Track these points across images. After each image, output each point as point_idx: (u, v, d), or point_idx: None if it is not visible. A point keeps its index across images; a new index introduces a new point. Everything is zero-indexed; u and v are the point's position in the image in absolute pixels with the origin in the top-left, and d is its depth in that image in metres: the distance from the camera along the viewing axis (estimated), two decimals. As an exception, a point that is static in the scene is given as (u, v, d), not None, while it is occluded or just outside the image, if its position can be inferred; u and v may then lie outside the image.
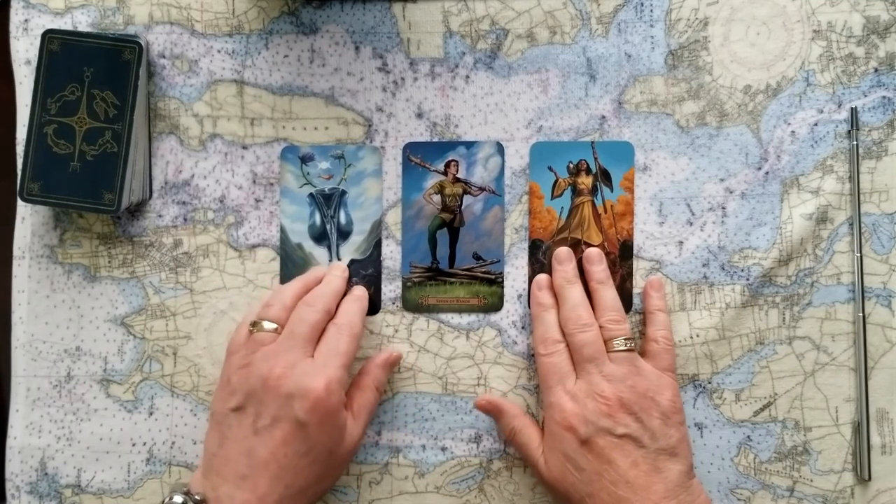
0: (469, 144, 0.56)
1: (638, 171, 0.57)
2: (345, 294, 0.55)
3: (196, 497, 0.47)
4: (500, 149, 0.56)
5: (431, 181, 0.56)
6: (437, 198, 0.56)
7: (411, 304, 0.57)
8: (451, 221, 0.56)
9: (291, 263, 0.57)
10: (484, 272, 0.56)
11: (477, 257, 0.56)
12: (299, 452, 0.47)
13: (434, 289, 0.56)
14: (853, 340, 0.57)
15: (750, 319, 0.57)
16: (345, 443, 0.50)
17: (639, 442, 0.50)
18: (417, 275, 0.56)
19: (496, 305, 0.56)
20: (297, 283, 0.54)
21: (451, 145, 0.56)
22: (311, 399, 0.47)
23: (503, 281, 0.57)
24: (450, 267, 0.56)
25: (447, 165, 0.56)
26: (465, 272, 0.56)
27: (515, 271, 0.57)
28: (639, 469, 0.49)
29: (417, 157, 0.56)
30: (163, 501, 0.48)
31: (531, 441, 0.53)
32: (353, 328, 0.52)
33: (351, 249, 0.57)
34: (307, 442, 0.48)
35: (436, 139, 0.57)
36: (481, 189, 0.56)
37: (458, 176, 0.56)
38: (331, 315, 0.53)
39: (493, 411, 0.56)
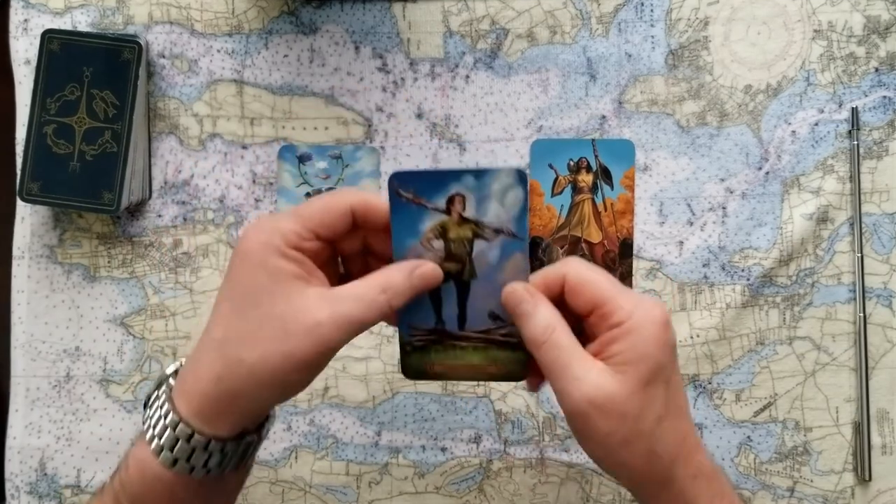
0: (479, 174, 0.41)
1: (638, 170, 0.57)
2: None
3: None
4: (522, 177, 0.41)
5: (430, 222, 0.42)
6: (438, 244, 0.43)
7: (415, 372, 0.45)
8: (458, 273, 0.43)
9: None
10: (504, 335, 0.44)
11: (494, 317, 0.43)
12: (223, 295, 0.41)
13: (441, 355, 0.44)
14: (854, 340, 0.57)
15: (750, 319, 0.57)
16: (285, 302, 0.39)
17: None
18: (419, 338, 0.44)
19: (518, 374, 0.45)
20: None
21: (455, 175, 0.42)
22: (240, 241, 0.41)
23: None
24: (459, 329, 0.44)
25: (450, 201, 0.42)
26: (478, 335, 0.44)
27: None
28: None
29: (409, 191, 0.42)
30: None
31: (574, 348, 0.40)
32: (334, 196, 0.42)
33: None
34: (229, 284, 0.41)
35: (435, 140, 0.57)
36: (497, 231, 0.43)
37: (466, 215, 0.42)
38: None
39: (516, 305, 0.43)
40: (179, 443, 0.39)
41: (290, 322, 0.39)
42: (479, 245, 0.43)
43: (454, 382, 0.57)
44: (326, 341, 0.39)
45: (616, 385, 0.39)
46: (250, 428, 0.42)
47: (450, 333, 0.44)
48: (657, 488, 0.40)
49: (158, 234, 0.58)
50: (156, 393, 0.41)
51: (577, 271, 0.41)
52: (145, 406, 0.42)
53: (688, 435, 0.40)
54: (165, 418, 0.40)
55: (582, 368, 0.39)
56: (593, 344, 0.41)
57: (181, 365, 0.42)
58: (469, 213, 0.42)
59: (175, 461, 0.40)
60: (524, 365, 0.44)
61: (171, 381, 0.41)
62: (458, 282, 0.43)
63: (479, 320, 0.44)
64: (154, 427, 0.40)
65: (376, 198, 0.42)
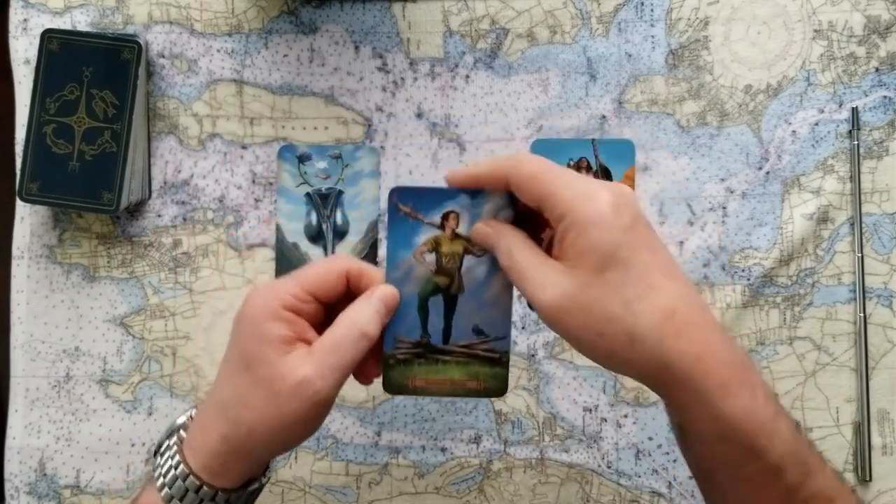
0: (473, 193, 0.45)
1: (638, 170, 0.57)
2: None
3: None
4: (512, 200, 0.44)
5: (425, 236, 0.46)
6: (430, 257, 0.46)
7: (394, 387, 0.47)
8: (447, 287, 0.46)
9: (287, 263, 0.57)
10: (486, 350, 0.47)
11: (478, 332, 0.47)
12: (225, 357, 0.43)
13: (423, 368, 0.47)
14: (854, 341, 0.57)
15: (751, 320, 0.57)
16: (271, 366, 0.41)
17: None
18: (403, 351, 0.46)
19: (498, 390, 0.47)
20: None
21: (451, 193, 0.45)
22: (242, 305, 0.43)
23: (508, 360, 0.47)
24: (444, 343, 0.46)
25: (445, 218, 0.46)
26: (461, 350, 0.47)
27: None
28: None
29: (408, 205, 0.46)
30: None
31: (532, 258, 0.42)
32: (332, 259, 0.47)
33: (347, 250, 0.57)
34: (229, 347, 0.43)
35: (435, 140, 0.57)
36: (486, 249, 0.46)
37: (459, 231, 0.46)
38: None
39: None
40: (188, 493, 0.42)
41: (276, 384, 0.41)
42: (468, 261, 0.46)
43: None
44: (314, 395, 0.41)
45: (571, 281, 0.39)
46: (254, 476, 0.44)
47: (434, 347, 0.46)
48: (661, 378, 0.38)
49: (158, 234, 0.58)
50: (167, 443, 0.44)
51: (519, 169, 0.41)
52: (156, 454, 0.44)
53: (675, 312, 0.38)
54: (176, 469, 0.42)
55: (540, 275, 0.40)
56: (554, 246, 0.40)
57: (191, 417, 0.44)
58: (462, 229, 0.45)
59: None
60: (503, 380, 0.47)
61: (182, 432, 0.44)
62: (446, 296, 0.46)
63: (463, 334, 0.46)
64: (164, 476, 0.43)
65: (369, 266, 0.45)
